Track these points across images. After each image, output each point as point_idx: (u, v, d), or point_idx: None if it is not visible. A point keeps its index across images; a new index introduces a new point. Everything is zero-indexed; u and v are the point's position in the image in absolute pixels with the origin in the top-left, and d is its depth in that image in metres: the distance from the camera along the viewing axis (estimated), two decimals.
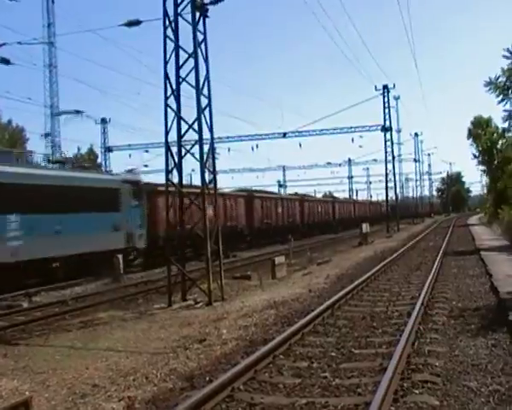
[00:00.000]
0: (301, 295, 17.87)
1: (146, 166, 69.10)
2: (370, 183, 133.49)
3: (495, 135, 50.94)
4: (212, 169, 19.02)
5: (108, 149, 70.38)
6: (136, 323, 15.58)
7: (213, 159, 19.06)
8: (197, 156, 18.25)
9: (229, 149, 66.67)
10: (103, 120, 69.64)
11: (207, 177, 18.74)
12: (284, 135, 62.62)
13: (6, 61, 23.46)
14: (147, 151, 66.53)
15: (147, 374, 9.80)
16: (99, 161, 76.21)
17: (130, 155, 69.48)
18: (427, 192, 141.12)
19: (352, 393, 7.98)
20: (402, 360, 8.92)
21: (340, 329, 12.29)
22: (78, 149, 78.26)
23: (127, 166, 72.93)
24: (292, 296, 17.55)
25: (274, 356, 9.86)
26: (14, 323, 16.56)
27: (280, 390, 8.29)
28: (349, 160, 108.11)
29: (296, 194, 73.00)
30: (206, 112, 18.42)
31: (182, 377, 9.38)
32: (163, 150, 19.04)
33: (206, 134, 18.29)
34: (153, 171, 68.34)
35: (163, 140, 18.69)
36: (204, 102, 18.31)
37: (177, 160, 18.58)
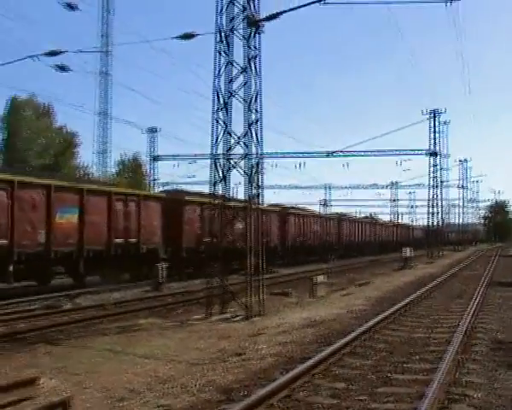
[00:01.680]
0: (340, 315, 17.81)
1: (192, 176, 69.69)
2: (414, 207, 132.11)
3: None
4: (258, 184, 19.07)
5: (155, 159, 71.05)
6: (175, 332, 15.67)
7: (260, 174, 19.11)
8: (244, 170, 18.33)
9: (276, 165, 66.73)
10: (152, 129, 70.39)
11: (253, 191, 18.79)
12: (330, 154, 62.47)
13: (63, 68, 23.89)
14: (193, 162, 66.95)
15: (184, 383, 9.86)
16: (145, 169, 76.99)
17: (177, 165, 70.00)
18: (471, 220, 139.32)
19: None
20: (440, 388, 8.84)
21: (379, 352, 12.20)
22: (122, 156, 79.25)
23: (173, 176, 73.90)
24: (331, 316, 17.50)
25: (312, 375, 9.86)
26: (55, 323, 16.80)
27: None
28: (393, 183, 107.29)
29: (336, 213, 73.45)
30: (256, 127, 18.50)
31: (219, 389, 9.41)
32: (209, 162, 19.16)
33: (254, 149, 18.38)
34: (199, 182, 68.87)
35: (209, 152, 18.81)
36: (254, 116, 18.40)
37: (223, 173, 18.67)
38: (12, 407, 8.44)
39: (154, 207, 31.42)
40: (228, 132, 18.46)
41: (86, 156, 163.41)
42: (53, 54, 22.68)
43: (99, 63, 59.88)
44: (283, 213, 49.03)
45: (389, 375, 10.27)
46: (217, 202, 19.02)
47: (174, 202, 33.39)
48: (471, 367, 10.79)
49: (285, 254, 47.70)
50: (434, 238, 68.18)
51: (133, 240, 29.52)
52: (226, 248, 19.16)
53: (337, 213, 73.06)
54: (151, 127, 70.87)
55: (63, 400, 8.33)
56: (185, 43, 22.16)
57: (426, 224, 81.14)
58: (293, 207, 56.12)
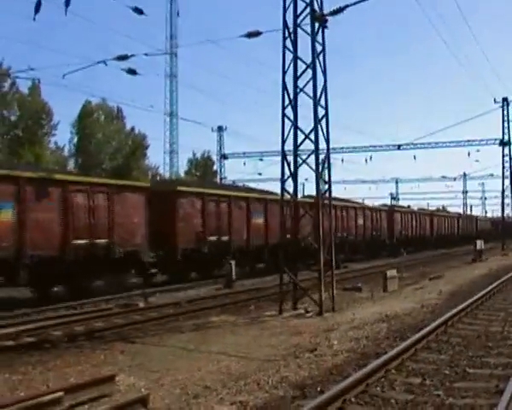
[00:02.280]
0: (413, 309, 17.63)
1: (260, 174, 69.99)
2: (485, 198, 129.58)
3: None
4: (327, 179, 19.07)
5: (224, 157, 71.65)
6: (248, 329, 15.77)
7: (329, 169, 19.09)
8: (312, 166, 18.33)
9: (342, 160, 66.49)
10: (220, 128, 71.02)
11: (322, 187, 18.79)
12: (399, 147, 61.87)
13: (133, 72, 24.31)
14: (261, 159, 67.28)
15: (258, 380, 9.92)
16: (215, 167, 77.78)
17: (244, 163, 70.45)
18: None
19: None
20: None
21: (454, 347, 12.05)
22: (194, 155, 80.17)
23: (242, 174, 74.46)
24: (404, 311, 17.34)
25: (386, 370, 9.80)
26: (131, 321, 17.13)
27: (392, 406, 8.24)
28: (464, 174, 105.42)
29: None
30: (323, 123, 18.49)
31: (293, 385, 9.44)
32: (277, 159, 19.28)
33: (321, 144, 18.37)
34: (266, 179, 69.12)
35: (277, 149, 18.95)
36: (321, 112, 18.40)
37: (292, 169, 18.70)
38: (91, 404, 8.65)
39: (135, 201, 25.85)
40: (296, 128, 18.48)
41: (156, 157, 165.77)
42: (122, 58, 23.09)
43: (166, 65, 60.69)
44: (390, 210, 54.79)
45: (465, 369, 10.14)
46: (288, 198, 19.12)
47: (164, 193, 29.02)
48: None
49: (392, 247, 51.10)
50: (507, 230, 66.63)
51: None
52: (298, 245, 19.20)
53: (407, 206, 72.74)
54: (219, 126, 71.54)
55: (143, 397, 8.51)
56: (250, 42, 22.24)
57: (495, 215, 79.86)
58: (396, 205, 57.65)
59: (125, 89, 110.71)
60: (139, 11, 21.72)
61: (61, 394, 8.31)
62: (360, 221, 49.79)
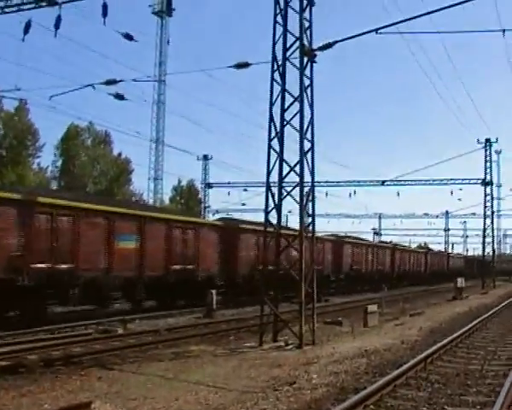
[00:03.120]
0: (393, 345, 17.62)
1: (244, 204, 70.09)
2: (467, 236, 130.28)
3: None
4: (310, 212, 19.12)
5: (208, 186, 71.69)
6: (227, 359, 15.69)
7: (313, 203, 19.14)
8: (297, 198, 18.38)
9: (327, 194, 66.73)
10: (205, 157, 71.13)
11: (306, 219, 18.82)
12: (383, 183, 62.22)
13: (121, 97, 24.41)
14: (245, 190, 67.41)
15: None
16: (199, 196, 77.81)
17: (229, 193, 70.54)
18: None
19: None
20: None
21: (433, 384, 12.02)
22: (179, 182, 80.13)
23: (226, 204, 74.47)
24: (384, 346, 17.33)
25: (364, 406, 9.79)
26: (110, 348, 17.01)
27: None
28: (446, 212, 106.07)
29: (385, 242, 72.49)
30: (309, 156, 18.56)
31: None
32: (261, 190, 19.36)
33: (306, 177, 18.43)
34: (250, 210, 69.22)
35: (262, 180, 19.02)
36: (307, 145, 18.49)
37: (276, 201, 18.74)
38: None
39: (211, 235, 32.21)
40: (282, 160, 18.54)
41: (140, 183, 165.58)
42: (111, 83, 23.18)
43: (154, 91, 60.81)
44: (339, 241, 49.52)
45: (444, 407, 10.14)
46: (271, 229, 19.14)
47: (230, 229, 34.13)
48: None
49: (339, 283, 47.56)
50: (486, 268, 66.99)
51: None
52: (280, 276, 19.18)
53: (389, 242, 72.33)
54: (204, 155, 71.66)
55: None
56: (239, 73, 22.42)
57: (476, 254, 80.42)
58: (347, 236, 55.92)
59: (113, 114, 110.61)
60: (129, 37, 21.85)
61: None
62: (369, 257, 50.52)
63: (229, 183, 70.18)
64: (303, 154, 18.26)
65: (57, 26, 18.33)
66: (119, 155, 69.23)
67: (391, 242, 75.66)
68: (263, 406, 10.28)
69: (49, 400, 10.55)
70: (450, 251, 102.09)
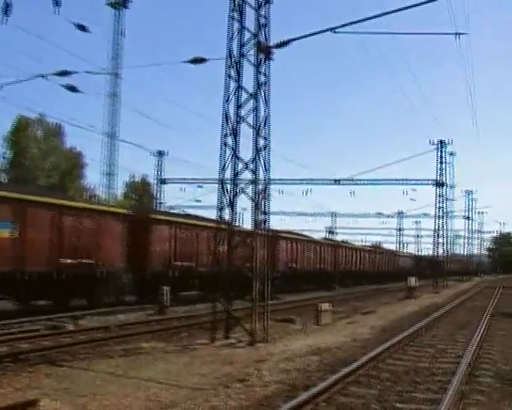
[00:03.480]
0: (345, 343, 17.73)
1: (199, 200, 69.75)
2: (419, 236, 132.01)
3: None
4: (264, 210, 19.06)
5: (163, 181, 71.15)
6: (178, 356, 15.58)
7: (267, 200, 19.07)
8: (251, 196, 18.33)
9: (282, 192, 66.76)
10: (160, 153, 70.60)
11: (260, 217, 18.77)
12: (337, 181, 62.55)
13: (73, 89, 24.02)
14: (200, 186, 67.05)
15: (186, 409, 9.80)
16: (152, 192, 77.14)
17: (183, 189, 70.10)
18: (476, 251, 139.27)
19: None
20: None
21: (383, 381, 12.12)
22: (132, 178, 79.43)
23: (180, 200, 74.08)
24: (336, 344, 17.41)
25: (315, 403, 9.79)
26: (59, 344, 16.76)
27: None
28: (399, 212, 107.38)
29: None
30: (264, 153, 18.51)
31: None
32: (216, 187, 19.21)
33: (261, 174, 18.39)
34: (205, 206, 68.91)
35: (216, 177, 18.88)
36: (262, 143, 18.43)
37: (230, 198, 18.67)
38: None
39: (116, 225, 28.68)
40: (236, 157, 18.49)
41: (94, 177, 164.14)
42: (64, 74, 22.81)
43: (109, 85, 60.14)
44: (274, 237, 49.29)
45: (394, 404, 10.21)
46: (224, 226, 19.08)
47: (139, 220, 31.24)
48: (476, 398, 10.74)
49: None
50: (438, 268, 67.88)
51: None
52: (232, 274, 19.13)
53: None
54: (159, 150, 71.09)
55: None
56: (195, 68, 22.32)
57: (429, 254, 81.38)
58: (284, 231, 55.64)
59: (66, 106, 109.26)
60: (82, 28, 21.55)
61: None
62: (310, 254, 50.50)
63: (183, 179, 69.83)
64: (257, 151, 18.22)
65: (6, 12, 17.95)
66: (72, 148, 68.50)
67: (347, 241, 76.17)
68: (214, 403, 10.22)
69: None
70: (399, 250, 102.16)
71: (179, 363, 14.44)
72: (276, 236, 47.64)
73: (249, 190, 18.52)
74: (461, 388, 11.21)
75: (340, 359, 14.81)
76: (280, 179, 61.38)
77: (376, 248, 79.89)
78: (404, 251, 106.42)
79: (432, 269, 78.43)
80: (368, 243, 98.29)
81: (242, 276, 18.67)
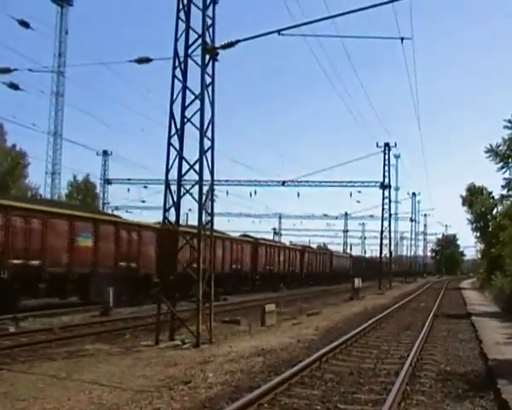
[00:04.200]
0: (290, 344, 17.76)
1: (143, 201, 69.29)
2: (365, 238, 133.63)
3: (490, 201, 51.34)
4: (209, 211, 19.04)
5: (108, 182, 70.51)
6: (122, 358, 15.47)
7: (212, 201, 19.07)
8: (196, 197, 18.30)
9: (227, 193, 66.86)
10: (105, 152, 69.98)
11: (205, 218, 18.73)
12: (283, 183, 62.85)
13: (15, 87, 23.58)
14: (146, 187, 66.69)
15: None
16: (97, 191, 76.34)
17: (128, 190, 69.62)
18: (421, 252, 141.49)
19: None
20: None
21: (327, 382, 12.17)
22: (74, 178, 78.30)
23: (125, 200, 73.41)
24: (280, 345, 17.44)
25: (259, 405, 9.79)
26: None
27: None
28: (345, 214, 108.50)
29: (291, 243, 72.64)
30: (209, 154, 18.49)
31: None
32: (162, 187, 19.15)
33: (206, 176, 18.37)
34: (150, 207, 68.49)
35: (162, 177, 18.83)
36: (207, 144, 18.39)
37: (176, 198, 18.60)
38: None
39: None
40: (181, 158, 18.42)
41: (37, 177, 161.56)
42: (5, 71, 22.37)
43: (52, 83, 59.27)
44: (255, 243, 51.10)
45: (337, 405, 10.26)
46: (169, 227, 19.01)
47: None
48: (419, 398, 10.85)
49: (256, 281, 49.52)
50: (378, 269, 68.68)
51: None
52: (177, 275, 19.07)
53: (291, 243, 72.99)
54: (104, 150, 70.46)
55: None
56: (140, 68, 22.17)
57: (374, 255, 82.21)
58: (263, 239, 56.40)
59: (7, 104, 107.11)
60: (26, 25, 21.20)
61: None
62: (281, 258, 50.32)
63: (129, 179, 69.33)
64: (203, 152, 18.16)
65: None
66: (14, 146, 67.25)
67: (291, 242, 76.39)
68: (157, 405, 10.14)
69: None
70: (334, 250, 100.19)
71: (123, 365, 14.31)
72: (256, 243, 52.71)
73: (194, 190, 18.49)
74: (404, 388, 11.33)
75: (285, 360, 14.83)
76: (226, 180, 61.51)
77: (306, 248, 74.35)
78: (340, 251, 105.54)
79: (372, 270, 79.34)
80: (314, 245, 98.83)
81: (188, 277, 18.62)
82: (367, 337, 19.74)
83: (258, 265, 53.29)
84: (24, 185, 68.47)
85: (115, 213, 59.09)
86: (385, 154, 63.03)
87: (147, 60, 20.82)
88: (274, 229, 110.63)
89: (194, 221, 25.17)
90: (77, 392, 11.16)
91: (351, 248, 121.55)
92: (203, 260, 17.98)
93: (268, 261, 55.53)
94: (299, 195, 68.79)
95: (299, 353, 16.08)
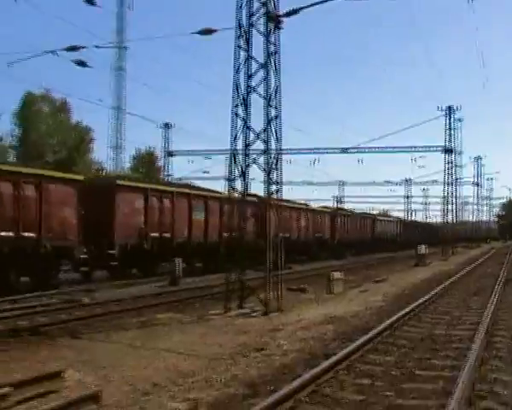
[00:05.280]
0: (359, 312, 17.78)
1: (206, 172, 69.69)
2: (427, 204, 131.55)
3: None
4: (275, 180, 19.00)
5: (170, 154, 71.04)
6: (194, 327, 15.68)
7: (279, 170, 18.96)
8: (262, 166, 18.32)
9: (290, 162, 66.59)
10: (166, 125, 70.42)
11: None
12: (344, 150, 62.33)
13: (82, 64, 23.84)
14: (208, 158, 66.93)
15: (207, 378, 9.85)
16: (160, 164, 77.07)
17: (191, 161, 69.97)
18: (485, 217, 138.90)
19: None
20: (467, 385, 8.76)
21: (400, 349, 12.16)
22: (137, 151, 79.28)
23: (187, 172, 73.86)
24: (349, 313, 17.47)
25: (336, 371, 9.85)
26: (76, 317, 16.88)
27: (342, 406, 8.27)
28: (407, 179, 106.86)
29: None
30: (274, 123, 18.44)
31: (244, 383, 9.41)
32: (222, 158, 19.24)
33: (273, 145, 18.36)
34: (213, 178, 68.82)
35: (224, 148, 18.92)
36: (273, 112, 18.36)
37: (242, 168, 18.63)
38: (39, 400, 8.45)
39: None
40: (247, 128, 18.44)
41: (102, 152, 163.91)
42: (72, 49, 22.69)
43: (114, 58, 60.00)
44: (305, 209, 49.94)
45: (413, 371, 10.25)
46: (236, 196, 19.08)
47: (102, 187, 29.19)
48: (496, 364, 10.72)
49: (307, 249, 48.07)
50: (434, 235, 67.53)
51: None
52: (245, 244, 19.17)
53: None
54: (166, 122, 70.90)
55: (94, 393, 8.35)
56: (203, 39, 22.18)
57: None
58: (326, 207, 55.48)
59: (72, 81, 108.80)
60: (90, 2, 21.43)
61: (8, 389, 8.10)
62: (303, 223, 49.48)
63: (191, 151, 69.70)
64: (269, 121, 18.17)
65: None
66: (79, 123, 68.37)
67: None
68: (234, 372, 10.29)
69: (20, 369, 10.36)
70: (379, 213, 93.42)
71: (195, 333, 14.54)
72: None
73: (260, 160, 18.52)
74: (480, 354, 11.18)
75: (355, 327, 14.88)
76: (288, 149, 61.24)
77: (338, 210, 65.38)
78: (388, 215, 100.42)
79: (428, 236, 77.89)
80: (375, 212, 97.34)
81: (255, 246, 18.73)
82: (436, 304, 19.58)
83: (337, 233, 54.60)
84: (89, 160, 69.67)
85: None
86: (447, 117, 61.94)
87: (210, 31, 20.78)
88: (336, 196, 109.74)
89: (255, 191, 25.10)
90: (153, 360, 11.40)
91: (413, 215, 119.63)
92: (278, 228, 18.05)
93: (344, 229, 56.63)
94: (361, 161, 67.76)
95: (369, 320, 16.10)
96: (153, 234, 30.22)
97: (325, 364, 9.83)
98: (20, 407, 8.14)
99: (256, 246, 19.37)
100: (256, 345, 12.73)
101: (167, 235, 31.44)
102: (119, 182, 30.28)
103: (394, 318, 15.05)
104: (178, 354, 11.95)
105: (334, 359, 10.29)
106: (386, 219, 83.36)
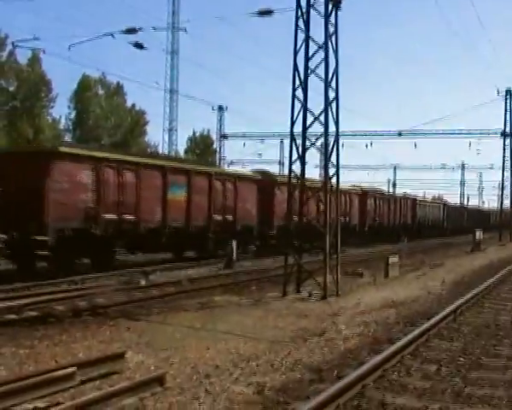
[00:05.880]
0: (420, 296, 17.53)
1: (260, 155, 69.70)
2: (483, 189, 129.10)
3: None
4: (334, 163, 18.78)
5: (224, 136, 71.20)
6: (252, 309, 15.59)
7: (338, 153, 18.73)
8: (321, 149, 18.13)
9: (343, 145, 66.00)
10: (220, 107, 70.55)
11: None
12: (400, 134, 61.61)
13: (140, 46, 23.91)
14: (262, 141, 66.89)
15: (270, 362, 9.77)
16: (214, 146, 77.42)
17: (244, 144, 70.06)
18: None
19: (487, 405, 7.68)
20: None
21: (465, 335, 11.93)
22: (194, 133, 79.67)
23: (241, 154, 73.90)
24: (410, 297, 17.23)
25: (402, 356, 9.68)
26: (134, 299, 16.95)
27: (410, 392, 8.10)
28: (462, 164, 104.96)
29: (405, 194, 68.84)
30: (333, 106, 18.22)
31: (308, 368, 9.30)
32: (276, 141, 19.06)
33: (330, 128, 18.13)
34: (267, 161, 68.74)
35: (278, 131, 18.85)
36: (331, 95, 18.14)
37: (300, 152, 18.45)
38: (102, 380, 8.48)
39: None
40: (306, 110, 18.23)
41: (157, 134, 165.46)
42: (130, 31, 22.76)
43: (168, 40, 60.01)
44: (363, 194, 48.76)
45: (480, 358, 10.02)
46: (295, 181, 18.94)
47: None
48: None
49: (363, 234, 47.24)
50: (484, 220, 66.06)
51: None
52: (304, 228, 19.04)
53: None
54: (219, 105, 71.01)
55: (160, 375, 8.32)
56: (255, 21, 22.03)
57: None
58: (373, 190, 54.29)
59: (126, 64, 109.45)
60: None
61: (73, 369, 8.13)
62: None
63: (245, 134, 69.77)
64: (328, 103, 17.94)
65: None
66: (133, 106, 68.97)
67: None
68: (297, 356, 10.18)
69: (82, 349, 10.47)
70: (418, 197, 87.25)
71: (254, 316, 14.46)
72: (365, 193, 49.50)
73: (319, 143, 18.33)
74: None
75: (418, 312, 14.66)
76: (342, 132, 60.74)
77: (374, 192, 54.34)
78: (429, 198, 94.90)
79: (477, 221, 76.10)
80: (429, 196, 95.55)
81: (313, 230, 18.57)
82: (498, 290, 19.20)
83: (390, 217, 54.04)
84: (144, 143, 70.28)
85: (231, 167, 59.82)
86: (507, 100, 60.55)
87: (268, 12, 20.62)
88: (390, 180, 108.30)
89: (309, 175, 24.77)
90: (213, 342, 11.34)
91: (467, 200, 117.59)
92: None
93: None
94: (416, 145, 66.76)
95: (431, 305, 15.87)
96: (107, 216, 23.65)
97: (390, 349, 9.66)
98: (84, 387, 8.16)
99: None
100: (316, 329, 12.62)
101: (129, 217, 24.72)
102: (54, 149, 23.40)
103: (457, 303, 14.74)
104: (238, 337, 11.88)
105: (399, 344, 10.11)
106: (428, 202, 74.63)
